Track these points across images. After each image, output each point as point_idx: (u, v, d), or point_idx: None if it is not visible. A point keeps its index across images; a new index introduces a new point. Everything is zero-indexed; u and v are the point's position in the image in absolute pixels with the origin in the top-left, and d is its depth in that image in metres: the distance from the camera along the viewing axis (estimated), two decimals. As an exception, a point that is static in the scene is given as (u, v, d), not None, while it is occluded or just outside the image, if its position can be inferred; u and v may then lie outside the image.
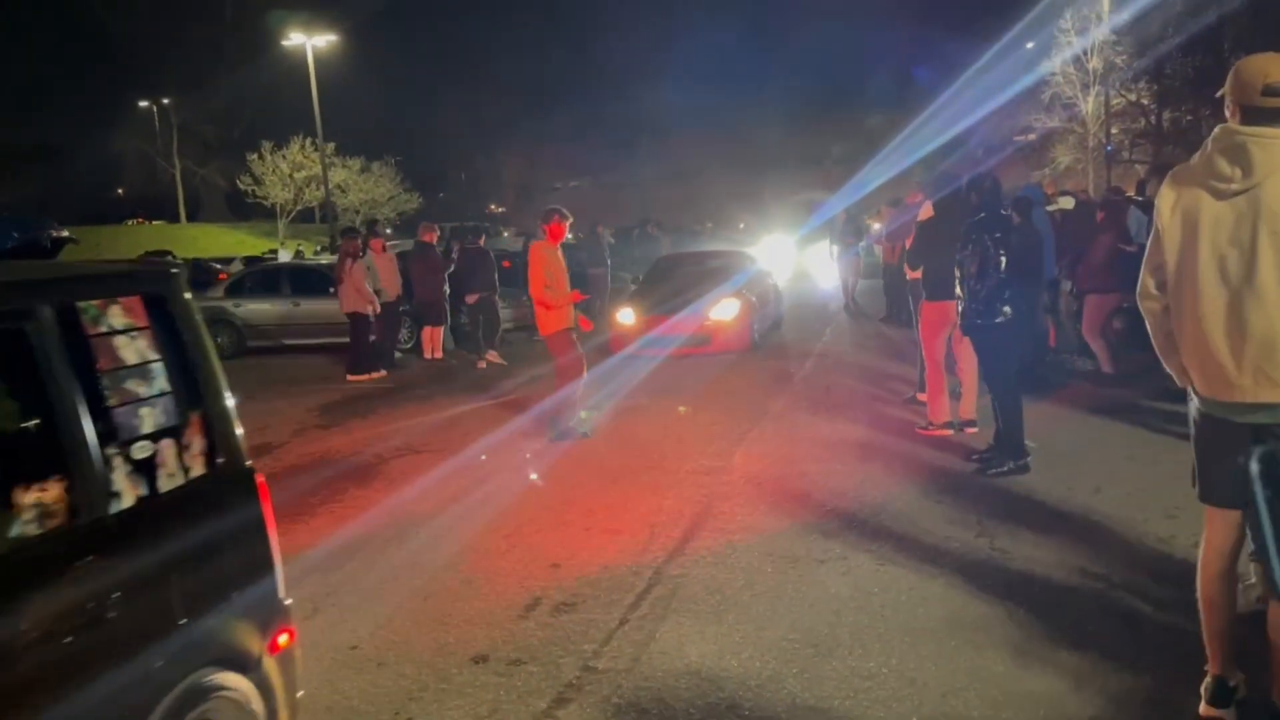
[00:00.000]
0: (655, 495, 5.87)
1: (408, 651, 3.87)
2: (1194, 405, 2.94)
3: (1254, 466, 2.73)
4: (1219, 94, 2.85)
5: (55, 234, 7.34)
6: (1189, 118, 33.27)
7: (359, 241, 11.93)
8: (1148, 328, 3.05)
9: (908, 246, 7.44)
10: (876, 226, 15.15)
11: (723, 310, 11.65)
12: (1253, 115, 2.71)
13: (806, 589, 4.28)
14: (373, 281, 11.69)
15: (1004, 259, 5.57)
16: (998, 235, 5.64)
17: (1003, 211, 5.77)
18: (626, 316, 12.04)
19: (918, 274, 7.32)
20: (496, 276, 12.68)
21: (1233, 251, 2.68)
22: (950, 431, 6.87)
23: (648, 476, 6.33)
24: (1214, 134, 2.77)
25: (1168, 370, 3.02)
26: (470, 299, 12.39)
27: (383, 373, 11.62)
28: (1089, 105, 34.23)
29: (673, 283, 12.77)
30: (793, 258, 21.92)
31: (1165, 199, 2.85)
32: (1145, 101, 33.96)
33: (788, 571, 4.51)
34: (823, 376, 9.85)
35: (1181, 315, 2.84)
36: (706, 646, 3.75)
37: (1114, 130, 34.29)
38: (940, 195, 7.41)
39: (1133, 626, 3.72)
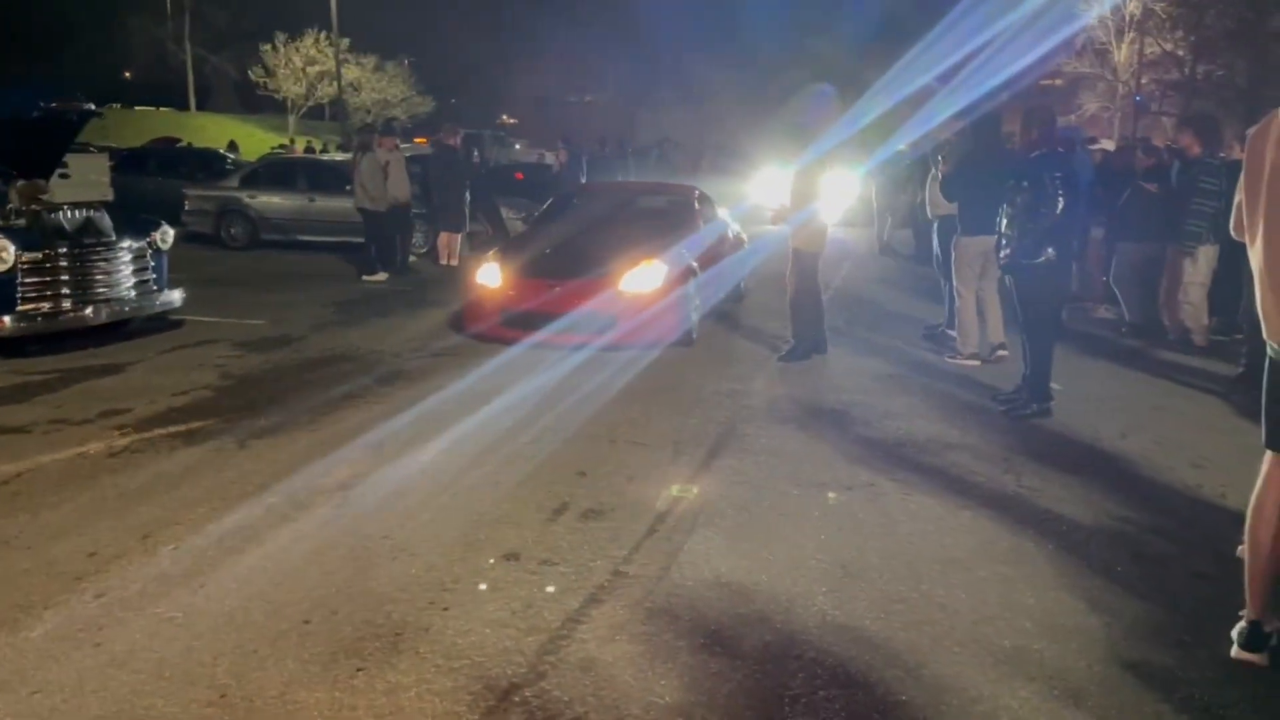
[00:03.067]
0: (678, 414, 5.86)
1: (438, 545, 3.90)
2: (1270, 349, 2.91)
3: None
4: None
5: (81, 107, 7.22)
6: (1222, 71, 32.59)
7: (368, 138, 11.81)
8: None
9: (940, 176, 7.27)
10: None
11: (638, 279, 7.60)
12: None
13: (833, 513, 4.30)
14: (386, 181, 11.53)
15: (1061, 200, 5.42)
16: (1058, 175, 5.45)
17: (1060, 150, 5.60)
18: (490, 276, 7.98)
19: (948, 208, 7.20)
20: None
21: None
22: (978, 362, 6.88)
23: (669, 395, 6.32)
24: None
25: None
26: None
27: (383, 276, 11.43)
28: (1122, 53, 33.48)
29: (574, 228, 8.81)
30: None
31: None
32: (1181, 52, 33.21)
33: (813, 495, 4.52)
34: (841, 310, 9.78)
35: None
36: (735, 561, 3.78)
37: (1145, 80, 33.63)
38: (979, 124, 7.25)
39: (1161, 569, 3.75)
